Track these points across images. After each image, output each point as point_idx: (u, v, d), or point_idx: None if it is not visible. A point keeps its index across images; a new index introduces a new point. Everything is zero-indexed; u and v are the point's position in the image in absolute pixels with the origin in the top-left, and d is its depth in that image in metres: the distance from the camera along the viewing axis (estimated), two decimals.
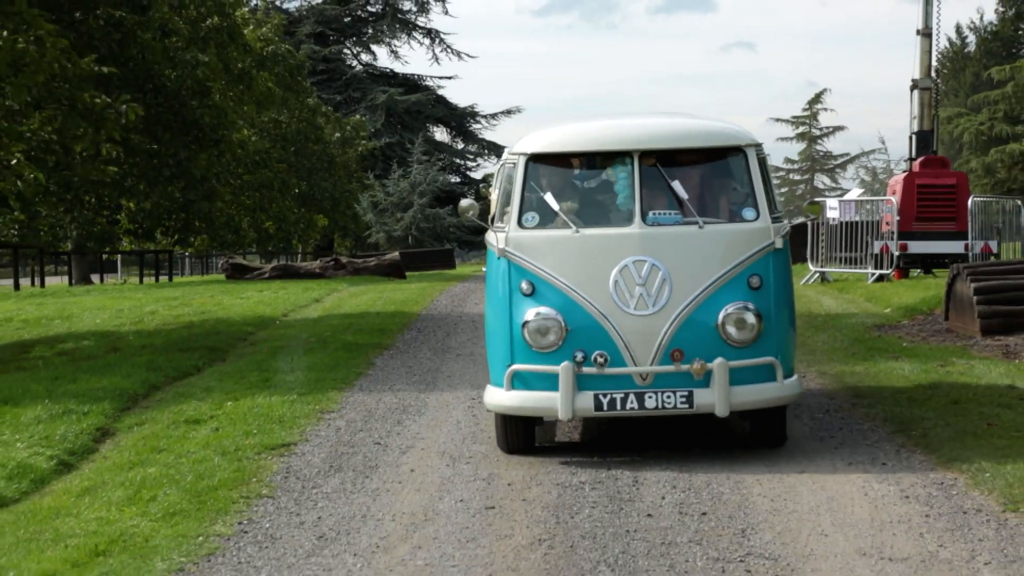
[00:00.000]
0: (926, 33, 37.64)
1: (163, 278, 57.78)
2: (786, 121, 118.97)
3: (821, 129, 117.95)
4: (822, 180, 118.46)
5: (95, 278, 57.00)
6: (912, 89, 38.02)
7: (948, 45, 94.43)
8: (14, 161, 21.41)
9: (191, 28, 29.52)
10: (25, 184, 21.78)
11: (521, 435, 12.19)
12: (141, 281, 55.26)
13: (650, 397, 11.39)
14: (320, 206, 58.61)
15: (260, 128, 52.52)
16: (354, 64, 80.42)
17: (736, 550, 9.02)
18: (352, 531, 9.74)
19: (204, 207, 33.24)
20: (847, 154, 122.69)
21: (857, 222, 35.52)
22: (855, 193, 47.38)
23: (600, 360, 11.43)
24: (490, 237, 12.30)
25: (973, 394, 14.65)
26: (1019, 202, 36.79)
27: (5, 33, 20.52)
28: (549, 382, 11.55)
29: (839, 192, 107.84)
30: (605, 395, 11.42)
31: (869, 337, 20.72)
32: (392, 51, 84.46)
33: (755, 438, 12.24)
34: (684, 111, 14.15)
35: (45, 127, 22.35)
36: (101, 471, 12.26)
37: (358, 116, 68.80)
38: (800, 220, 46.66)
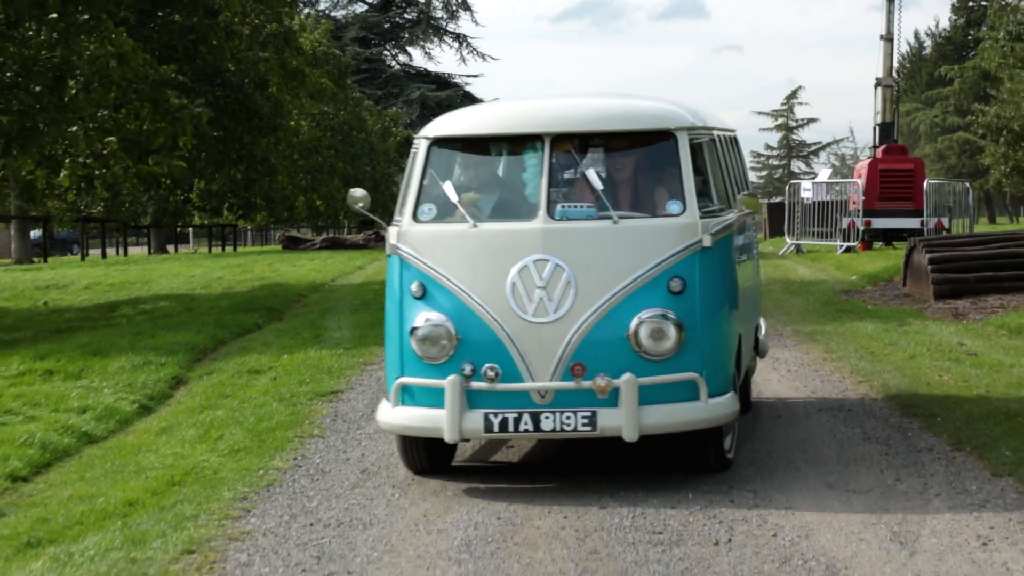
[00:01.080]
0: (888, 38, 37.60)
1: (228, 248, 57.84)
2: (767, 114, 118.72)
3: (797, 120, 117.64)
4: (797, 165, 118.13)
5: (171, 248, 57.13)
6: (876, 86, 38.00)
7: (908, 48, 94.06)
8: (106, 151, 21.55)
9: (252, 32, 29.58)
10: (111, 173, 21.94)
11: (423, 455, 9.42)
12: (210, 251, 55.33)
13: (547, 418, 8.66)
14: (363, 186, 58.63)
15: (312, 119, 52.52)
16: (393, 64, 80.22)
17: (721, 484, 9.03)
18: (391, 466, 9.77)
19: (265, 184, 33.33)
20: (819, 142, 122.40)
21: (828, 201, 35.55)
22: (824, 174, 47.45)
23: (491, 374, 8.75)
24: (388, 232, 9.52)
25: (927, 350, 14.64)
26: (967, 184, 36.79)
27: (92, 47, 20.63)
28: (439, 398, 8.86)
29: (812, 175, 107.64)
30: (496, 414, 8.73)
31: (837, 300, 20.70)
32: (426, 53, 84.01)
33: (691, 461, 9.50)
34: (625, 91, 12.37)
35: (132, 121, 22.46)
36: (176, 413, 12.31)
37: (395, 109, 68.75)
38: (779, 199, 46.48)
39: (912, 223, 33.50)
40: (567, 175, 9.33)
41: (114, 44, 20.82)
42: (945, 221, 34.06)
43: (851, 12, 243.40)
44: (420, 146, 9.53)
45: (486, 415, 8.75)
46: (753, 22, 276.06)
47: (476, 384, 8.79)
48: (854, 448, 10.04)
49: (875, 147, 37.43)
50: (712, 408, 8.89)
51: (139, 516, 8.46)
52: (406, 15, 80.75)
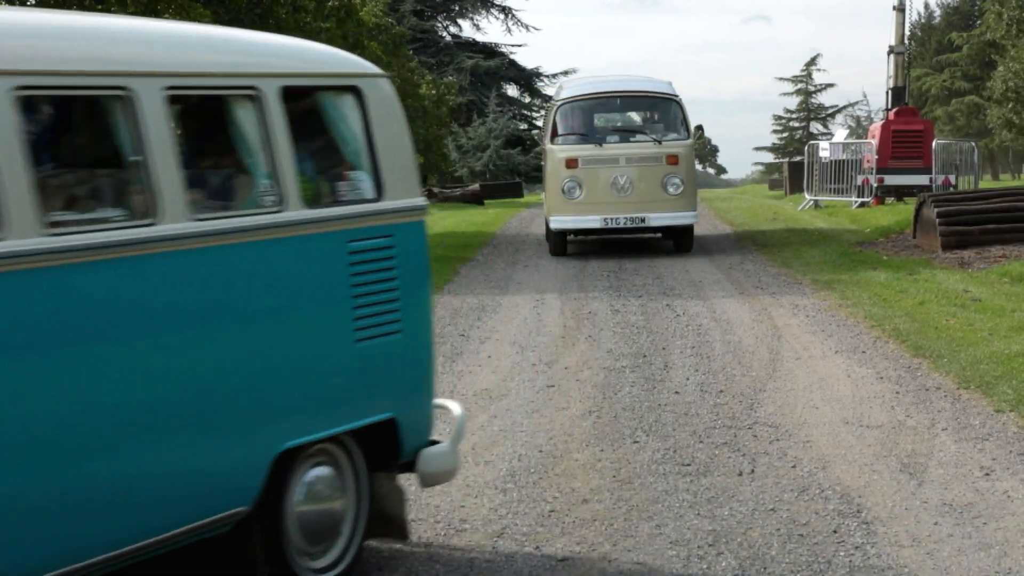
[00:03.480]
0: (900, 8, 37.24)
1: None
2: (787, 79, 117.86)
3: (816, 86, 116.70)
4: (816, 127, 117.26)
5: None
6: (889, 54, 37.66)
7: (918, 17, 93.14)
8: None
9: (316, 6, 29.51)
10: None
11: None
12: None
13: None
14: (416, 148, 58.64)
15: None
16: (444, 35, 79.98)
17: (745, 419, 9.02)
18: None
19: None
20: (836, 105, 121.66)
21: (844, 160, 35.31)
22: (841, 135, 47.28)
23: None
24: None
25: (935, 296, 14.54)
26: (973, 144, 36.45)
27: (171, 18, 20.68)
28: None
29: (829, 136, 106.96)
30: None
31: (853, 251, 20.56)
32: (474, 24, 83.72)
33: None
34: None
35: None
36: None
37: (450, 79, 68.67)
38: (799, 158, 46.28)
39: (922, 180, 33.24)
40: None
41: (191, 15, 20.86)
42: (952, 178, 33.79)
43: None
44: None
45: None
46: None
47: None
48: (868, 387, 10.00)
49: (888, 110, 37.15)
50: None
51: None
52: None
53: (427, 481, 6.33)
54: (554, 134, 20.44)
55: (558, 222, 19.93)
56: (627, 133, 20.72)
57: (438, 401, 6.48)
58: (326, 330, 5.71)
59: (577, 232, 20.56)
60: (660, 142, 19.87)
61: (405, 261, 6.10)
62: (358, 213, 5.93)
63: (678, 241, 20.49)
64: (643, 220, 19.64)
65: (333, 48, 6.42)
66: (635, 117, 21.77)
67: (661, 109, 20.89)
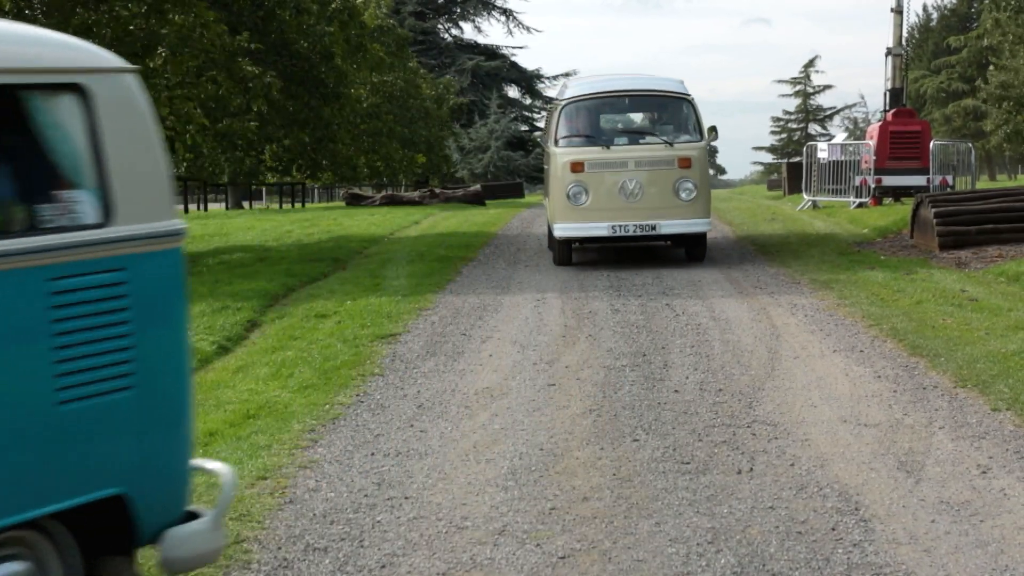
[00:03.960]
0: (898, 11, 37.25)
1: (297, 204, 57.97)
2: (786, 81, 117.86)
3: (814, 87, 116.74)
4: (814, 128, 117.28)
5: (246, 204, 57.31)
6: (887, 55, 37.67)
7: (916, 20, 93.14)
8: (186, 109, 21.62)
9: (319, 8, 29.50)
10: (194, 129, 22.03)
11: None
12: (280, 207, 55.48)
13: None
14: (419, 148, 58.60)
15: (373, 87, 52.48)
16: (446, 37, 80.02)
17: (744, 418, 9.01)
18: (444, 402, 9.79)
19: (329, 148, 33.36)
20: (834, 107, 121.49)
21: (842, 161, 35.33)
22: (840, 137, 47.31)
23: None
24: None
25: (932, 296, 14.54)
26: (970, 145, 36.45)
27: (177, 18, 20.69)
28: None
29: (828, 137, 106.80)
30: None
31: (851, 251, 20.56)
32: (475, 26, 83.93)
33: None
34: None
35: (207, 86, 22.56)
36: (251, 353, 12.35)
37: (448, 78, 68.64)
38: (797, 159, 46.24)
39: (919, 181, 33.26)
40: None
41: (197, 14, 20.88)
42: (949, 179, 33.79)
43: None
44: None
45: None
46: None
47: None
48: (865, 385, 9.99)
49: (886, 111, 37.17)
50: None
51: (218, 445, 8.51)
52: None
53: (175, 567, 4.94)
54: (558, 136, 19.00)
55: (563, 230, 18.48)
56: (636, 135, 19.27)
57: (199, 463, 5.27)
58: (7, 393, 4.36)
59: (583, 240, 19.11)
60: (672, 144, 18.42)
61: (144, 300, 4.79)
62: (67, 243, 4.56)
63: (690, 250, 19.10)
64: (653, 228, 18.17)
65: (50, 33, 4.83)
66: (644, 118, 20.33)
67: (672, 109, 19.29)
